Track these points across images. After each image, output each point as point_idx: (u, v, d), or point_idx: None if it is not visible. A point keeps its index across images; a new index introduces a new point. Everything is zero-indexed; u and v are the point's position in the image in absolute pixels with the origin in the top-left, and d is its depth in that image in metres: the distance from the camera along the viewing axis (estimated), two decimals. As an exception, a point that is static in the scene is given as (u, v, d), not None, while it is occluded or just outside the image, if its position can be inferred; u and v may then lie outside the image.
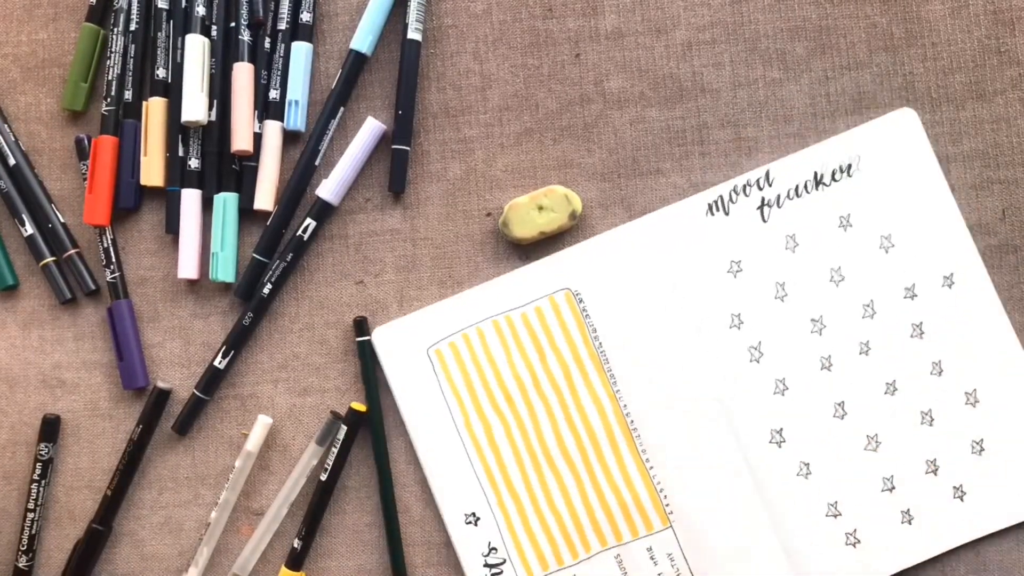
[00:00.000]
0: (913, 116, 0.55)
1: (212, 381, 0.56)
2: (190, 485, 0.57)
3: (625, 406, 0.55)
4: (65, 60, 0.58)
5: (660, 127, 0.56)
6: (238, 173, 0.57)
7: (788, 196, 0.55)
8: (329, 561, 0.57)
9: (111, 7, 0.57)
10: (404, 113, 0.56)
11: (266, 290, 0.56)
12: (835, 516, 0.55)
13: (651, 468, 0.55)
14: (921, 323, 0.55)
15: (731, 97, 0.56)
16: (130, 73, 0.57)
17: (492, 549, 0.55)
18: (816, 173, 0.55)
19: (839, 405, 0.55)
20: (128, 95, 0.57)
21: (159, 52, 0.56)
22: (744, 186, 0.56)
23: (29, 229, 0.57)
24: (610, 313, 0.56)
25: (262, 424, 0.56)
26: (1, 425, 0.58)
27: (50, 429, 0.57)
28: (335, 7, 0.57)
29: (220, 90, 0.56)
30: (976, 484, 0.55)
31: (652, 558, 0.55)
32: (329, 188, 0.56)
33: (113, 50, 0.57)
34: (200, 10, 0.56)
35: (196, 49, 0.55)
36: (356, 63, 0.56)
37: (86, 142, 0.57)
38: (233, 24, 0.56)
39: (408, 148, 0.56)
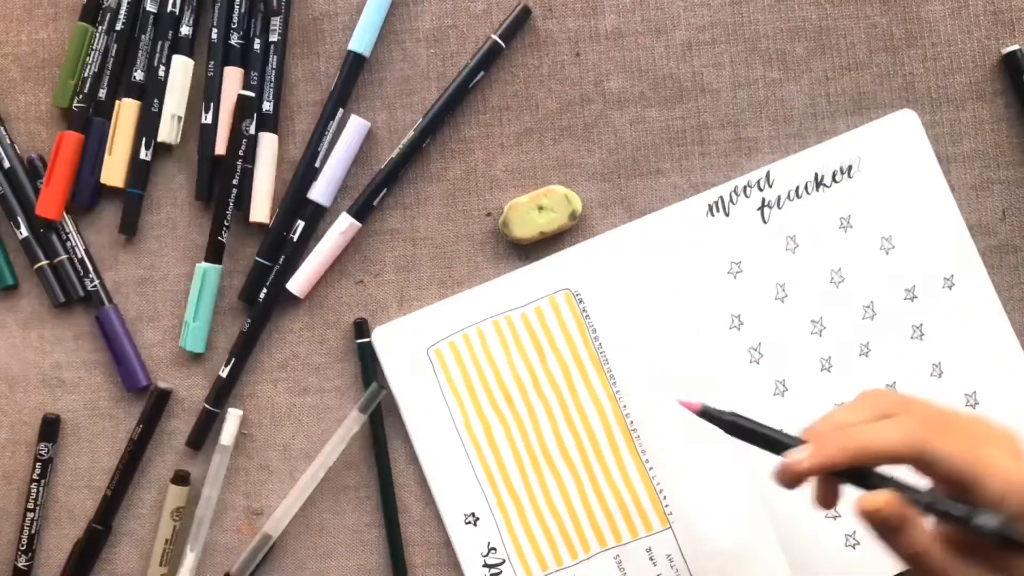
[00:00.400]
0: (913, 117, 0.55)
1: (221, 393, 0.56)
2: (191, 485, 0.57)
3: (625, 407, 0.55)
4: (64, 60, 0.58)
5: (660, 127, 0.56)
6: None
7: (788, 197, 0.55)
8: (329, 561, 0.57)
9: (103, 6, 0.57)
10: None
11: (262, 295, 0.56)
12: (835, 518, 0.55)
13: (651, 469, 0.55)
14: (921, 324, 0.55)
15: (731, 97, 0.56)
16: (108, 72, 0.57)
17: (491, 549, 0.55)
18: (816, 174, 0.55)
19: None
20: (102, 94, 0.57)
21: (140, 54, 0.57)
22: (744, 187, 0.55)
23: (24, 232, 0.57)
24: (610, 314, 0.55)
25: (233, 416, 0.56)
26: (1, 425, 0.58)
27: (50, 429, 0.57)
28: (335, 7, 0.57)
29: (213, 95, 0.57)
30: (976, 485, 0.55)
31: (651, 559, 0.55)
32: (319, 190, 0.56)
33: (94, 48, 0.57)
34: (186, 30, 0.56)
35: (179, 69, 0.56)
36: (355, 65, 0.56)
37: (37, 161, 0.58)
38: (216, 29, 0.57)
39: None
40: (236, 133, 0.55)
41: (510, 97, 0.57)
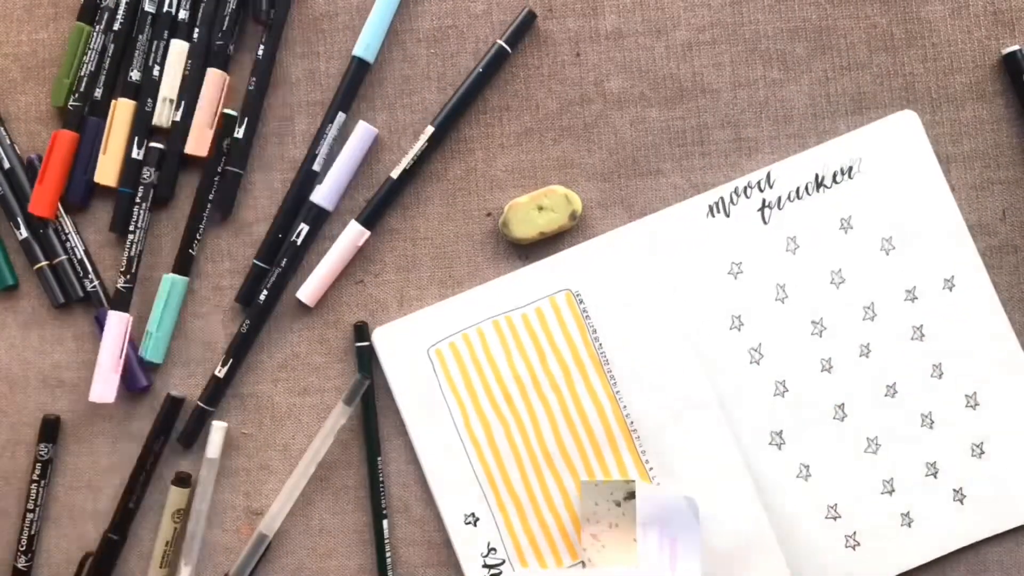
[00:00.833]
0: (914, 118, 0.55)
1: (216, 392, 0.56)
2: (192, 487, 0.57)
3: (625, 407, 0.55)
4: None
5: (660, 127, 0.56)
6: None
7: (789, 198, 0.55)
8: (329, 561, 0.57)
9: (100, 6, 0.57)
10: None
11: (262, 297, 0.56)
12: (835, 518, 0.55)
13: (651, 469, 0.55)
14: (921, 325, 0.55)
15: (731, 97, 0.56)
16: (104, 71, 0.57)
17: (491, 549, 0.55)
18: (817, 175, 0.55)
19: (839, 407, 0.55)
20: (98, 93, 0.57)
21: (137, 54, 0.56)
22: (745, 188, 0.55)
23: (24, 233, 0.57)
24: (610, 314, 0.55)
25: (218, 429, 0.56)
26: (1, 425, 0.58)
27: (50, 429, 0.57)
28: (335, 7, 0.57)
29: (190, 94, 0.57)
30: (976, 487, 0.55)
31: (651, 559, 0.55)
32: (323, 194, 0.56)
33: (92, 47, 0.56)
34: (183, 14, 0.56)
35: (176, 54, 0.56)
36: (359, 70, 0.56)
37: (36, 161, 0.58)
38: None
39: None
40: (217, 145, 0.56)
41: (510, 97, 0.57)
